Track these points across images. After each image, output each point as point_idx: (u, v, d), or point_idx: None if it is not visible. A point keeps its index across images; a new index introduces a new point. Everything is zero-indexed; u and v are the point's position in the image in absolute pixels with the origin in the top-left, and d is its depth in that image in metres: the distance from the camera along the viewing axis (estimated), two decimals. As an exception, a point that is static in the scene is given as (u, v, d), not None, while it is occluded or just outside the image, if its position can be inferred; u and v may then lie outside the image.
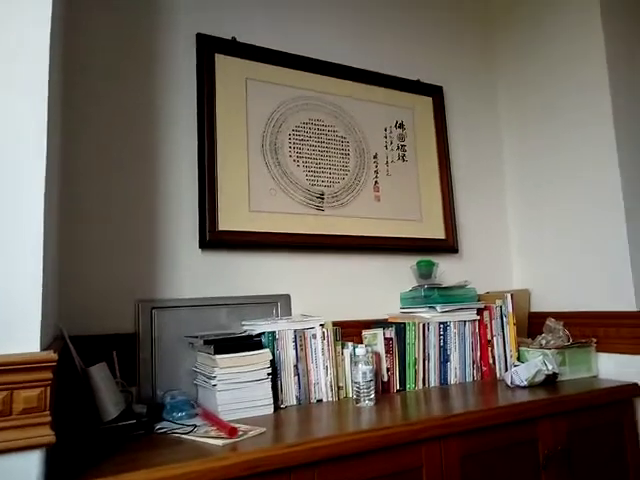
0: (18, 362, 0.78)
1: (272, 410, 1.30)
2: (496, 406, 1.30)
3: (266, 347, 1.37)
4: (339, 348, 1.50)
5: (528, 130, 2.07)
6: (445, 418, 1.20)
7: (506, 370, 1.66)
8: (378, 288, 1.82)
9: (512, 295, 1.75)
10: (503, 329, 1.73)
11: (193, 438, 1.08)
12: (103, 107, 1.47)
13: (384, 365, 1.56)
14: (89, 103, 1.45)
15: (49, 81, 0.91)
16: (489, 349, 1.71)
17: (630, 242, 1.63)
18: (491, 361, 1.71)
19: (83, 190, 1.41)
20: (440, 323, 1.66)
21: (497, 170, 2.18)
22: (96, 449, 1.02)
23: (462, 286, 1.76)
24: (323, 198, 1.74)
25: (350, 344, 1.51)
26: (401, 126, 1.96)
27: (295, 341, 1.43)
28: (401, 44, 2.04)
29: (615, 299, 1.66)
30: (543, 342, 1.71)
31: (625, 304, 1.63)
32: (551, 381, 1.56)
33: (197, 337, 1.36)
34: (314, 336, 1.46)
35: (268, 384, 1.31)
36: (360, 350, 1.40)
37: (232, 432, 1.06)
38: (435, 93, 2.05)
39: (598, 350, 1.69)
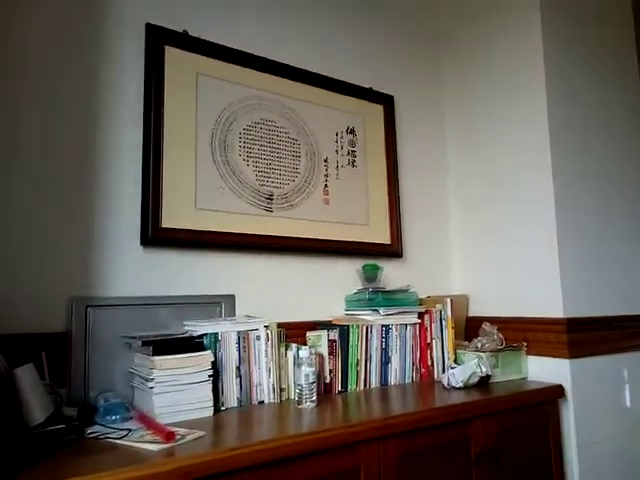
0: None
1: (212, 412, 1.28)
2: (432, 407, 1.34)
3: (208, 348, 1.34)
4: (283, 350, 1.49)
5: (470, 142, 2.16)
6: (384, 420, 1.23)
7: (443, 371, 1.72)
8: (324, 290, 1.83)
9: (451, 300, 1.82)
10: (442, 332, 1.79)
11: (127, 443, 1.04)
12: (39, 94, 1.38)
13: (327, 366, 1.57)
14: (24, 89, 1.36)
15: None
16: (428, 351, 1.77)
17: (560, 253, 1.74)
18: (430, 363, 1.76)
19: (15, 173, 1.32)
20: (383, 326, 1.69)
21: (442, 179, 2.26)
22: (21, 457, 0.96)
23: (404, 290, 1.81)
24: (272, 199, 1.74)
25: (294, 345, 1.51)
26: (352, 132, 1.99)
27: (238, 342, 1.41)
28: (355, 51, 2.07)
29: (545, 306, 1.76)
30: (479, 345, 1.79)
31: (553, 311, 1.73)
32: (484, 382, 1.64)
33: (135, 337, 1.30)
34: (258, 337, 1.45)
35: (209, 386, 1.28)
36: (303, 352, 1.40)
37: (169, 436, 1.03)
38: (386, 102, 2.10)
39: (528, 353, 1.79)
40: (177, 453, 0.98)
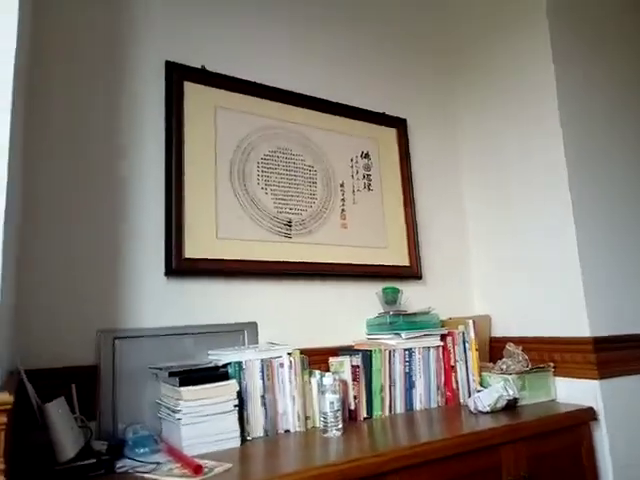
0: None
1: (239, 443, 1.28)
2: (460, 434, 1.32)
3: (233, 377, 1.35)
4: (306, 377, 1.49)
5: (485, 161, 2.16)
6: (411, 448, 1.21)
7: (469, 395, 1.70)
8: (344, 314, 1.83)
9: (474, 321, 1.80)
10: (466, 354, 1.77)
11: (156, 477, 1.04)
12: (70, 134, 1.44)
13: (351, 393, 1.56)
14: (53, 130, 1.42)
15: (12, 111, 0.89)
16: (453, 374, 1.75)
17: (583, 271, 1.72)
18: (455, 386, 1.74)
19: (44, 214, 1.36)
20: (405, 349, 1.68)
21: (458, 199, 2.26)
22: (52, 492, 0.97)
23: (426, 312, 1.80)
24: (291, 225, 1.76)
25: (317, 372, 1.51)
26: (367, 156, 2.01)
27: (262, 371, 1.42)
28: (368, 78, 2.11)
29: (570, 325, 1.73)
30: (504, 367, 1.76)
31: (579, 330, 1.70)
32: (512, 406, 1.61)
33: (161, 368, 1.32)
34: (281, 365, 1.45)
35: (235, 416, 1.28)
36: (327, 379, 1.39)
37: (197, 470, 1.04)
38: (399, 125, 2.13)
39: (555, 374, 1.76)
40: (206, 487, 0.98)
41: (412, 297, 1.98)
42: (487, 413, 1.54)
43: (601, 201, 1.85)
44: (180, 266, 1.50)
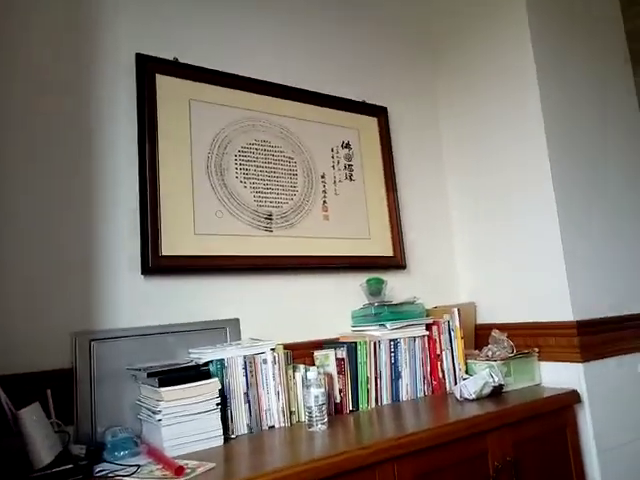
0: None
1: (222, 442, 1.25)
2: (446, 423, 1.31)
3: (214, 376, 1.32)
4: (290, 372, 1.47)
5: (467, 148, 2.15)
6: (398, 439, 1.20)
7: (455, 383, 1.70)
8: (329, 307, 1.81)
9: (459, 309, 1.79)
10: (451, 343, 1.77)
11: (136, 480, 1.02)
12: (35, 128, 1.39)
13: (336, 386, 1.55)
14: (20, 124, 1.37)
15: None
16: (438, 363, 1.74)
17: (565, 256, 1.72)
18: (441, 375, 1.74)
19: (9, 210, 1.31)
20: (391, 340, 1.67)
21: (440, 187, 2.25)
22: (27, 501, 0.94)
23: (411, 302, 1.79)
24: (271, 219, 1.73)
25: (302, 366, 1.49)
26: (347, 146, 1.99)
27: (245, 367, 1.40)
28: (346, 65, 2.08)
29: (554, 310, 1.74)
30: (489, 353, 1.76)
31: (563, 314, 1.71)
32: (498, 392, 1.61)
33: (140, 369, 1.29)
34: (265, 361, 1.43)
35: (217, 415, 1.26)
36: (312, 373, 1.38)
37: (179, 471, 1.01)
38: (380, 114, 2.10)
39: (540, 359, 1.76)
40: (187, 488, 0.96)
41: (397, 287, 1.97)
42: (473, 400, 1.54)
43: (583, 185, 1.85)
44: (157, 264, 1.46)
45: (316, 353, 1.62)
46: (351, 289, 1.86)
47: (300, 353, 1.62)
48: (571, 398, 1.61)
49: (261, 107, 1.79)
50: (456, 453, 1.30)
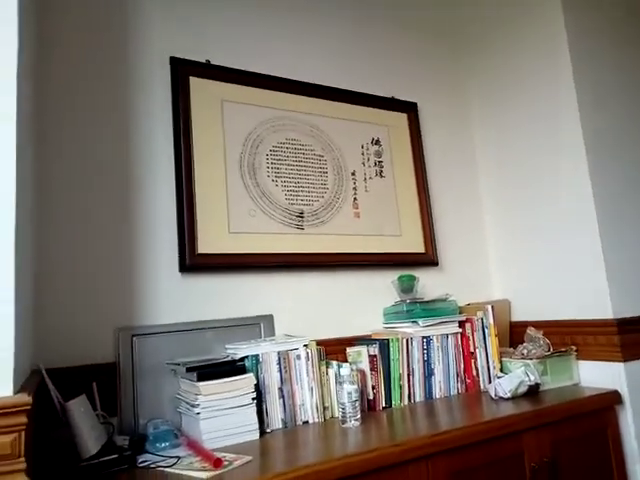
0: (-12, 408, 0.76)
1: (258, 435, 1.29)
2: (481, 421, 1.30)
3: (250, 371, 1.36)
4: (324, 368, 1.49)
5: (501, 144, 2.11)
6: (431, 437, 1.20)
7: (490, 381, 1.68)
8: (360, 304, 1.82)
9: (492, 306, 1.77)
10: (485, 340, 1.74)
11: (177, 471, 1.06)
12: (77, 130, 1.45)
13: (369, 383, 1.56)
14: (63, 130, 1.43)
15: (17, 111, 0.89)
16: (472, 361, 1.73)
17: (604, 251, 1.67)
18: (474, 373, 1.72)
19: (56, 217, 1.38)
20: (423, 337, 1.67)
21: (473, 182, 2.22)
22: (76, 488, 0.99)
23: (443, 299, 1.77)
24: (303, 217, 1.75)
25: (335, 363, 1.51)
26: (377, 143, 1.98)
27: (279, 363, 1.42)
28: (375, 62, 2.07)
29: (592, 307, 1.69)
30: (525, 352, 1.73)
31: (602, 312, 1.66)
32: (534, 391, 1.58)
33: (179, 364, 1.33)
34: (298, 357, 1.45)
35: (253, 409, 1.29)
36: (344, 370, 1.39)
37: (217, 463, 1.05)
38: (410, 109, 2.08)
39: (578, 358, 1.72)
40: (226, 480, 0.99)
41: (429, 284, 1.96)
42: (508, 399, 1.52)
43: (623, 182, 1.79)
44: (194, 262, 1.51)
45: (349, 350, 1.63)
46: (383, 286, 1.86)
47: (333, 349, 1.63)
48: (612, 398, 1.57)
49: (291, 106, 1.81)
50: (491, 452, 1.29)
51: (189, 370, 1.28)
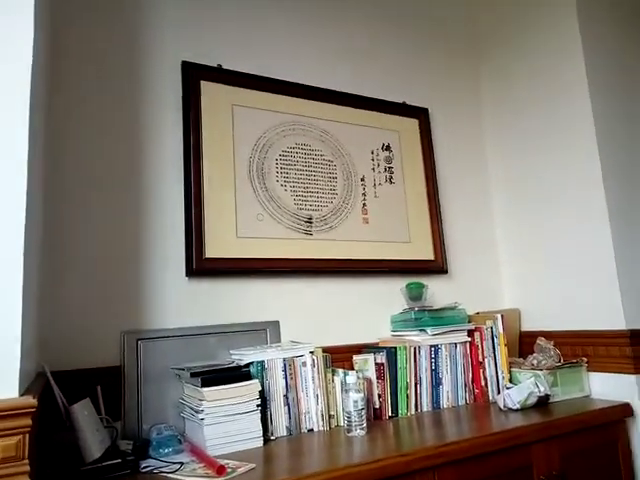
0: (-7, 410, 0.75)
1: (262, 443, 1.27)
2: (489, 433, 1.28)
3: (255, 377, 1.34)
4: (330, 375, 1.48)
5: (513, 151, 2.09)
6: (438, 447, 1.18)
7: (498, 392, 1.65)
8: (368, 311, 1.80)
9: (502, 316, 1.75)
10: (494, 350, 1.72)
11: (180, 477, 1.05)
12: (86, 135, 1.45)
13: (375, 391, 1.54)
14: (73, 132, 1.44)
15: (30, 118, 0.89)
16: (481, 371, 1.70)
17: (617, 262, 1.64)
18: (483, 383, 1.69)
19: (64, 218, 1.38)
20: (431, 346, 1.64)
21: (484, 190, 2.20)
22: (79, 492, 0.99)
23: (452, 308, 1.75)
24: (311, 222, 1.74)
25: (341, 371, 1.49)
26: (388, 148, 1.97)
27: (285, 370, 1.41)
28: (386, 67, 2.06)
29: (604, 318, 1.66)
30: (534, 362, 1.71)
31: (614, 323, 1.63)
32: (544, 403, 1.55)
33: (184, 369, 1.33)
34: (304, 364, 1.44)
35: (257, 416, 1.28)
36: (351, 378, 1.38)
37: (220, 470, 1.03)
38: (421, 115, 2.07)
39: (589, 370, 1.69)
40: (229, 488, 0.98)
41: (438, 292, 1.94)
42: (517, 410, 1.50)
43: (636, 191, 1.76)
44: (201, 266, 1.50)
45: (355, 357, 1.62)
46: (391, 293, 1.85)
47: (339, 357, 1.62)
48: (623, 411, 1.53)
49: (301, 111, 1.81)
50: (499, 464, 1.27)
51: (193, 375, 1.28)
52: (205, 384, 1.24)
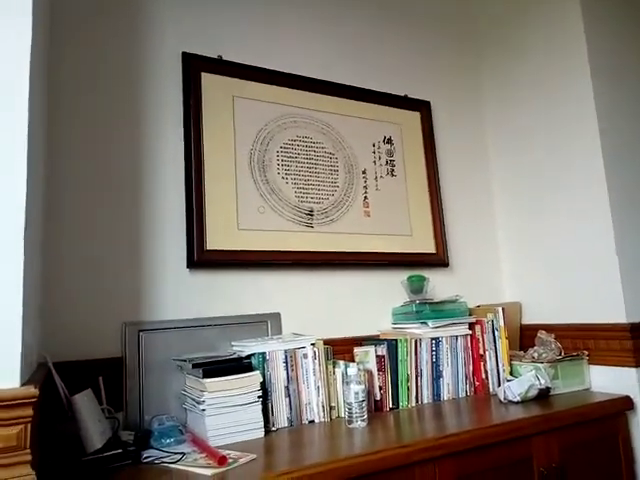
0: (-5, 399, 0.75)
1: (263, 434, 1.28)
2: (489, 425, 1.28)
3: (256, 369, 1.35)
4: (331, 367, 1.48)
5: (514, 147, 2.08)
6: (438, 439, 1.19)
7: (499, 385, 1.65)
8: (369, 304, 1.80)
9: (503, 308, 1.74)
10: (495, 343, 1.72)
11: (181, 467, 1.05)
12: (87, 126, 1.45)
13: (376, 383, 1.54)
14: (72, 123, 1.43)
15: (29, 105, 0.89)
16: (481, 364, 1.70)
17: (619, 255, 1.64)
18: (484, 376, 1.69)
19: (66, 209, 1.38)
20: (432, 339, 1.65)
21: (486, 183, 2.19)
22: (80, 482, 0.99)
23: (453, 300, 1.75)
24: (312, 215, 1.73)
25: (342, 363, 1.50)
26: (389, 141, 1.96)
27: (286, 361, 1.41)
28: (388, 60, 2.05)
29: (605, 311, 1.66)
30: (535, 355, 1.71)
31: (615, 317, 1.63)
32: (544, 395, 1.56)
33: (185, 360, 1.33)
34: (305, 356, 1.44)
35: (258, 407, 1.28)
36: (352, 370, 1.38)
37: (221, 461, 1.04)
38: (423, 108, 2.06)
39: (590, 363, 1.69)
40: (229, 478, 0.98)
41: (439, 285, 1.94)
42: (518, 403, 1.50)
43: (638, 183, 1.75)
44: (202, 258, 1.50)
45: (356, 350, 1.62)
46: (392, 286, 1.85)
47: (340, 349, 1.62)
48: (624, 404, 1.54)
49: (302, 103, 1.80)
50: (499, 456, 1.27)
51: (195, 366, 1.28)
52: (207, 375, 1.24)
